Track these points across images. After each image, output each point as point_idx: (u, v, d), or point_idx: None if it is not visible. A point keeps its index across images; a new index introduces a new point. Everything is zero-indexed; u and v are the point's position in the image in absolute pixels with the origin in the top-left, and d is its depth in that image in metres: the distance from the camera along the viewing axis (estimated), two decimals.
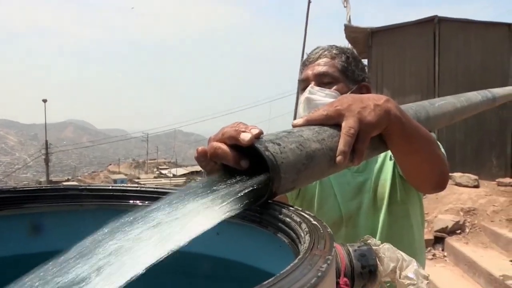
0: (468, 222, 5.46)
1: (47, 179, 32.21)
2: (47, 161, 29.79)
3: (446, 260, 5.04)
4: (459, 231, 5.38)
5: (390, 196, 1.21)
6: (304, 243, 0.47)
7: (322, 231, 0.49)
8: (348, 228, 1.22)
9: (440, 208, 5.78)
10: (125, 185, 0.82)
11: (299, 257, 0.41)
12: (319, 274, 0.37)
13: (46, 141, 30.02)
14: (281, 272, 0.37)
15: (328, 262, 0.40)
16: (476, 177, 6.62)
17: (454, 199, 5.95)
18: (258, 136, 0.60)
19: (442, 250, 5.27)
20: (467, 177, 6.50)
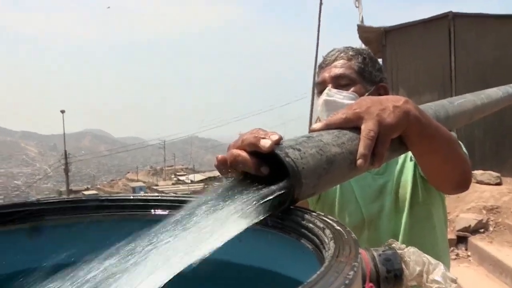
0: (492, 220, 5.36)
1: (67, 188, 32.69)
2: (66, 170, 30.23)
3: (470, 260, 4.95)
4: (482, 230, 5.28)
5: (412, 197, 1.19)
6: (329, 249, 0.47)
7: (346, 237, 0.49)
8: (370, 231, 1.20)
9: (462, 207, 5.68)
10: (146, 194, 0.82)
11: (325, 264, 0.41)
12: (346, 282, 0.36)
13: (65, 151, 30.48)
14: (308, 281, 0.37)
15: (355, 269, 0.39)
16: (498, 174, 6.49)
17: (476, 197, 5.84)
18: (278, 142, 0.60)
19: (466, 249, 5.18)
20: (489, 175, 6.38)
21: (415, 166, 1.20)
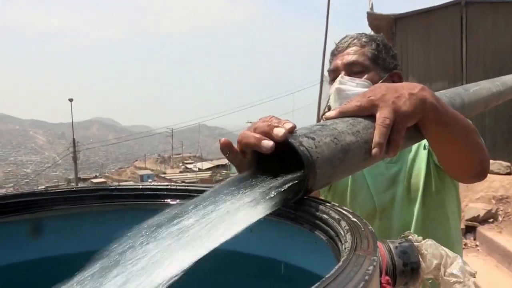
0: (501, 210, 5.31)
1: (76, 176, 32.95)
2: (75, 159, 30.44)
3: (478, 249, 4.93)
4: (491, 220, 5.24)
5: (425, 186, 1.17)
6: (346, 242, 0.45)
7: (363, 229, 0.47)
8: (382, 220, 1.18)
9: (471, 197, 5.63)
10: (156, 183, 0.81)
11: (343, 258, 0.39)
12: (366, 277, 0.35)
13: (74, 140, 30.66)
14: (327, 275, 0.35)
15: (374, 263, 0.38)
16: (508, 164, 6.42)
17: (485, 187, 5.78)
18: (291, 131, 0.59)
19: (474, 239, 5.15)
20: (499, 164, 6.31)
21: (428, 154, 1.18)
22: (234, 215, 0.51)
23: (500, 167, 6.30)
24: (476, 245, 5.02)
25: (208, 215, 0.51)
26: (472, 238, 5.15)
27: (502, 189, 5.69)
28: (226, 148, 0.64)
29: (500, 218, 5.23)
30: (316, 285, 0.34)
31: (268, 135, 0.59)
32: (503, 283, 3.97)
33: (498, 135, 7.68)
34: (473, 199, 5.60)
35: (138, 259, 0.45)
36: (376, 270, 0.38)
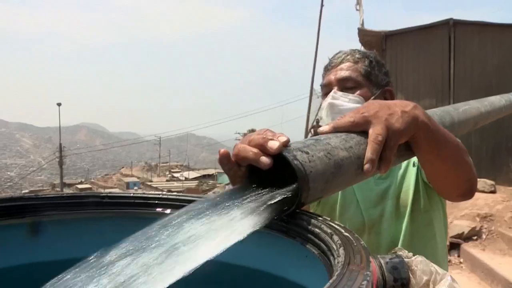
0: (485, 228, 5.37)
1: (61, 181, 32.55)
2: (61, 163, 30.09)
3: (462, 266, 4.97)
4: (475, 237, 5.29)
5: (413, 203, 1.18)
6: (339, 256, 0.45)
7: (355, 244, 0.48)
8: (370, 235, 1.19)
9: (456, 214, 5.69)
10: (147, 192, 0.81)
11: (337, 272, 0.39)
12: None
13: (60, 144, 30.34)
14: None
15: (368, 278, 0.38)
16: (492, 182, 6.51)
17: (470, 204, 5.85)
18: (286, 144, 0.59)
19: (458, 256, 5.19)
20: (483, 182, 6.40)
21: (418, 171, 1.19)
22: (227, 228, 0.51)
23: (485, 185, 6.39)
24: (460, 262, 5.06)
25: (201, 227, 0.51)
26: (456, 255, 5.19)
27: (486, 207, 5.77)
28: (225, 160, 0.65)
29: (484, 236, 5.29)
30: None
31: (262, 147, 0.60)
32: None
33: (483, 153, 7.79)
34: (458, 216, 5.66)
35: (128, 270, 0.45)
36: (369, 284, 0.39)
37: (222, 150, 0.65)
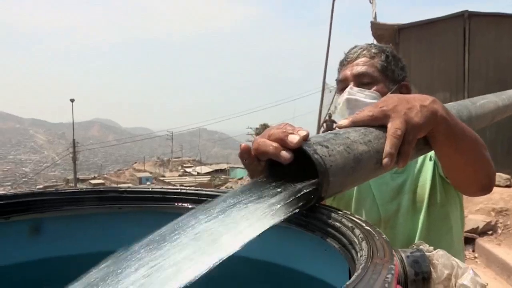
0: (500, 222, 5.31)
1: (75, 176, 32.91)
2: (74, 159, 30.40)
3: (477, 261, 4.92)
4: (490, 232, 5.24)
5: (430, 197, 1.17)
6: (361, 250, 0.46)
7: (378, 238, 0.48)
8: (386, 230, 1.19)
9: (471, 208, 5.64)
10: (166, 187, 0.81)
11: (361, 266, 0.39)
12: (386, 285, 0.35)
13: (74, 140, 30.64)
14: (347, 283, 0.35)
15: (392, 271, 0.38)
16: (508, 176, 6.43)
17: (485, 198, 5.79)
18: (306, 138, 0.59)
19: (473, 251, 5.15)
20: (499, 176, 6.31)
21: (434, 165, 1.18)
22: (248, 222, 0.51)
23: (500, 180, 6.31)
24: (475, 257, 5.01)
25: (221, 222, 0.51)
26: (471, 250, 5.15)
27: (501, 202, 5.70)
28: (246, 154, 0.65)
29: (499, 231, 5.23)
30: None
31: (282, 141, 0.60)
32: None
33: (498, 147, 7.69)
34: (473, 210, 5.61)
35: (157, 261, 0.45)
36: (394, 278, 0.39)
37: (243, 145, 0.66)
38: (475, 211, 5.57)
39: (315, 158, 0.56)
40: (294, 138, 0.58)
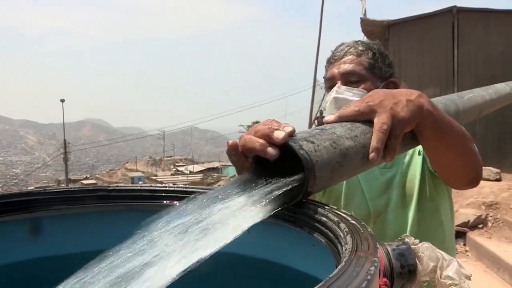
0: (491, 216, 5.36)
1: (66, 177, 32.69)
2: (65, 159, 30.21)
3: (468, 255, 4.97)
4: (481, 226, 5.29)
5: (419, 192, 1.18)
6: (346, 243, 0.46)
7: (362, 231, 0.48)
8: (376, 224, 1.19)
9: (461, 202, 5.69)
10: (154, 185, 0.81)
11: (345, 259, 0.40)
12: (369, 277, 0.36)
13: (65, 140, 30.44)
14: (330, 275, 0.36)
15: (375, 264, 0.39)
16: (498, 170, 6.50)
17: (475, 192, 5.84)
18: (291, 134, 0.59)
19: (464, 244, 5.19)
20: (489, 170, 6.39)
21: (423, 160, 1.19)
22: (234, 218, 0.51)
23: (490, 174, 6.38)
24: (466, 251, 5.06)
25: (207, 218, 0.51)
26: (462, 243, 5.19)
27: (492, 195, 5.76)
28: (233, 151, 0.65)
29: (489, 224, 5.29)
30: (319, 284, 0.35)
31: (268, 137, 0.60)
32: None
33: (489, 142, 7.77)
34: (463, 204, 5.66)
35: (142, 256, 0.45)
36: (377, 270, 0.39)
37: (230, 142, 0.66)
38: (465, 205, 5.61)
39: (300, 154, 0.57)
40: (279, 134, 0.59)
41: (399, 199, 1.19)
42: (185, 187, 0.79)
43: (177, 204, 0.74)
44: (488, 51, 8.00)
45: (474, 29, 8.04)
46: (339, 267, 0.38)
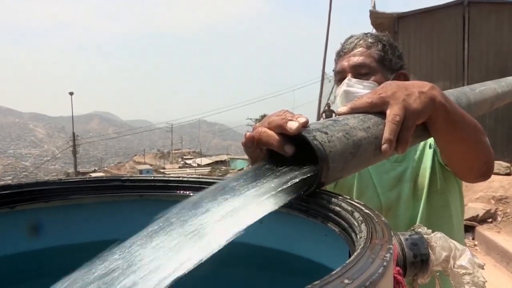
0: (500, 210, 5.34)
1: (75, 170, 32.95)
2: (74, 152, 30.41)
3: (476, 249, 4.95)
4: (490, 220, 5.27)
5: (430, 185, 1.18)
6: (361, 232, 0.46)
7: (376, 220, 0.49)
8: (387, 218, 1.19)
9: (470, 196, 5.66)
10: (167, 175, 0.82)
11: (360, 246, 0.40)
12: (384, 263, 0.36)
13: (73, 133, 30.64)
14: (346, 262, 0.36)
15: (391, 251, 0.39)
16: (508, 164, 6.45)
17: (485, 187, 5.81)
18: (305, 125, 0.60)
19: (473, 239, 5.18)
20: (499, 165, 6.34)
21: (434, 153, 1.19)
22: (248, 208, 0.52)
23: (500, 168, 6.33)
24: (475, 245, 5.04)
25: (221, 207, 0.52)
26: (470, 237, 5.18)
27: (501, 190, 5.72)
28: (250, 143, 0.66)
29: (499, 218, 5.26)
30: (336, 270, 0.35)
31: (282, 128, 0.60)
32: (501, 283, 4.00)
33: (498, 135, 7.70)
34: (473, 199, 5.63)
35: (153, 251, 0.46)
36: (392, 257, 0.40)
37: (248, 134, 0.66)
38: (475, 199, 5.59)
39: (314, 144, 0.57)
40: (293, 125, 0.59)
41: (410, 192, 1.20)
42: (198, 178, 0.79)
43: (191, 194, 0.75)
44: (500, 43, 7.90)
45: (485, 22, 7.94)
46: (355, 253, 0.38)
